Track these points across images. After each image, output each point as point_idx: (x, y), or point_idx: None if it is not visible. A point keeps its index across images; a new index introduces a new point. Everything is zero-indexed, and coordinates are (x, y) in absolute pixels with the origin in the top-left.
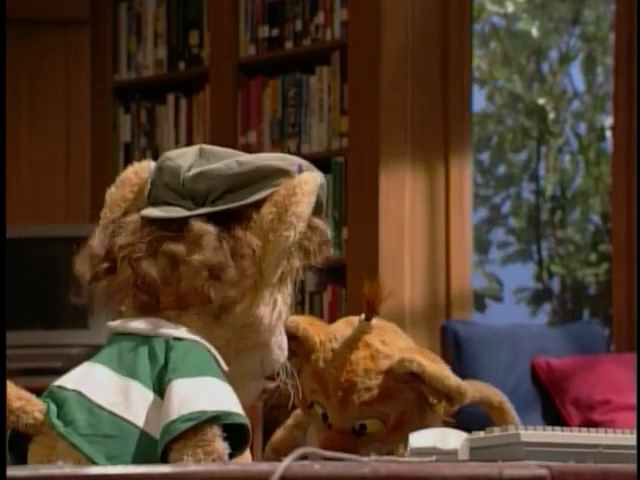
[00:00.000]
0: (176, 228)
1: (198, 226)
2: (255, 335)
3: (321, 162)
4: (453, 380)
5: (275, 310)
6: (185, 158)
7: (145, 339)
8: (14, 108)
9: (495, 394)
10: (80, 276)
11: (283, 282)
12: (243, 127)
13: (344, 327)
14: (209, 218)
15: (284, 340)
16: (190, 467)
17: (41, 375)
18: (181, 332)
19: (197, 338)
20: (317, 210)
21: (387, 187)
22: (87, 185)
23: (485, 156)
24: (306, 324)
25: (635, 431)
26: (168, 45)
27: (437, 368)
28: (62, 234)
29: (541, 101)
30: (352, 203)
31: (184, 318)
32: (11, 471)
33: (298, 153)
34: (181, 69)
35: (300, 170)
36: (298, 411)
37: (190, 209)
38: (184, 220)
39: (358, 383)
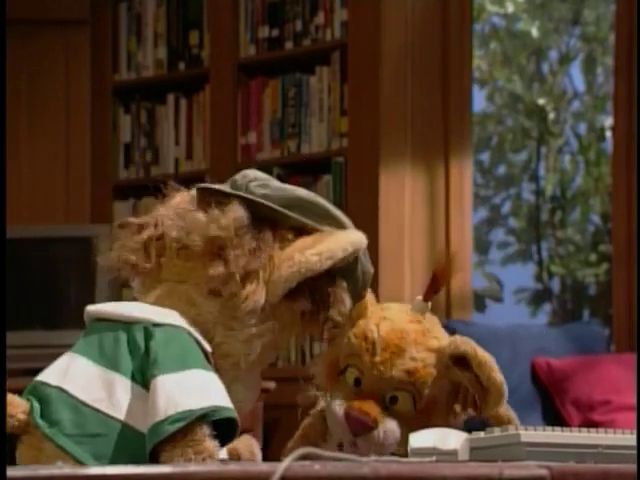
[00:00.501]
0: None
1: (232, 206)
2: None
3: (321, 162)
4: (500, 375)
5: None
6: (258, 176)
7: (124, 325)
8: (14, 108)
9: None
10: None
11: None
12: (243, 127)
13: (396, 303)
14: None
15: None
16: (190, 467)
17: None
18: (161, 316)
19: (177, 322)
20: (351, 274)
21: (387, 187)
22: (87, 185)
23: (485, 156)
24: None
25: (635, 431)
26: (168, 45)
27: (488, 357)
28: (62, 234)
29: (541, 101)
30: (352, 203)
31: (180, 288)
32: (11, 471)
33: (298, 153)
34: (181, 69)
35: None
36: (319, 399)
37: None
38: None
39: (407, 351)
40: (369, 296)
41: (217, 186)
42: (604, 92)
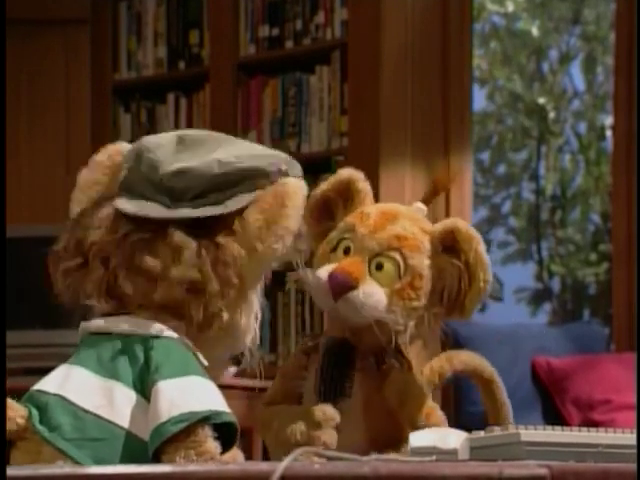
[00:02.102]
0: (153, 228)
1: (178, 237)
2: (231, 339)
3: (321, 162)
4: (489, 273)
5: (252, 311)
6: (165, 150)
7: (122, 338)
8: (14, 108)
9: (486, 365)
10: (52, 274)
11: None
12: (243, 126)
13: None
14: (188, 223)
15: (257, 334)
16: (190, 467)
17: (41, 375)
18: (159, 330)
19: (175, 335)
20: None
21: (387, 186)
22: None
23: (485, 156)
24: (360, 177)
25: (635, 430)
26: (168, 44)
27: (477, 235)
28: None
29: (541, 100)
30: None
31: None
32: (11, 471)
33: (298, 153)
34: (181, 68)
35: (279, 172)
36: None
37: (167, 206)
38: (162, 222)
39: (399, 221)
40: (369, 187)
41: (144, 213)
42: (604, 91)
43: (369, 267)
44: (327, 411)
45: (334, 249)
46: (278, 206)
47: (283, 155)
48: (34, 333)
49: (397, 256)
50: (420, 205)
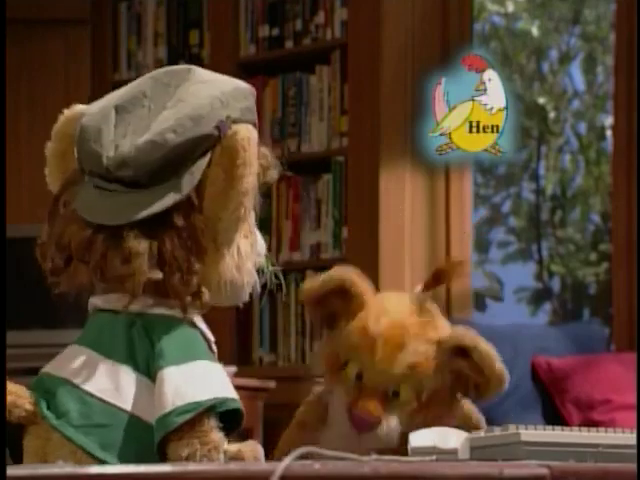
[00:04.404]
0: (114, 227)
1: (130, 243)
2: (232, 289)
3: (321, 161)
4: (500, 364)
5: (241, 256)
6: (102, 135)
7: (127, 316)
8: (14, 108)
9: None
10: (43, 269)
11: (243, 227)
12: None
13: (395, 293)
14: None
15: (261, 245)
16: (190, 467)
17: None
18: (163, 308)
19: (179, 314)
20: (250, 118)
21: (387, 186)
22: None
23: (485, 155)
24: (356, 278)
25: (635, 430)
26: (168, 44)
27: (489, 347)
28: None
29: (541, 100)
30: (352, 203)
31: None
32: (11, 470)
33: (298, 153)
34: None
35: (224, 126)
36: (317, 387)
37: (124, 192)
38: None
39: (409, 344)
40: (367, 286)
41: (98, 221)
42: (604, 91)
43: (387, 395)
44: None
45: (343, 366)
46: (230, 168)
47: (224, 90)
48: (34, 333)
49: (413, 382)
50: (420, 293)
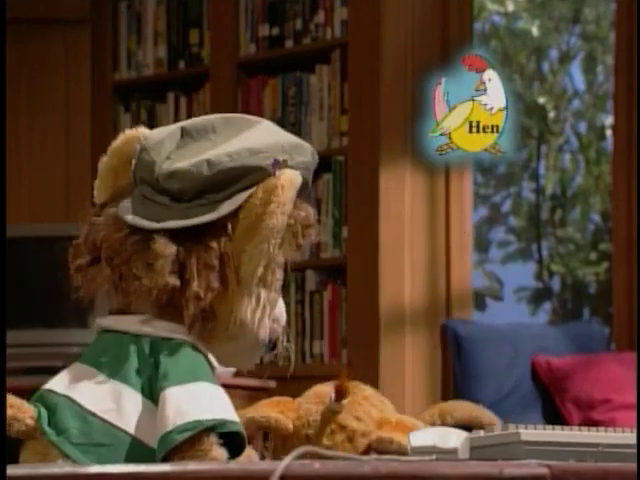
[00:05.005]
0: (145, 233)
1: (157, 245)
2: (239, 336)
3: (321, 161)
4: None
5: (259, 306)
6: (163, 147)
7: (133, 338)
8: (14, 108)
9: (486, 415)
10: (70, 269)
11: (267, 275)
12: None
13: (315, 407)
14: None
15: (281, 314)
16: (190, 467)
17: (41, 374)
18: (169, 331)
19: (185, 337)
20: (302, 191)
21: (387, 186)
22: (87, 185)
23: (485, 155)
24: (276, 414)
25: (635, 430)
26: (168, 44)
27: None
28: (62, 234)
29: (541, 100)
30: (352, 203)
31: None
32: (11, 470)
33: None
34: (181, 68)
35: (276, 164)
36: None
37: (167, 206)
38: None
39: None
40: (289, 408)
41: (134, 222)
42: (604, 91)
43: None
44: None
45: None
46: (265, 203)
47: (289, 141)
48: (34, 332)
49: None
50: (333, 403)
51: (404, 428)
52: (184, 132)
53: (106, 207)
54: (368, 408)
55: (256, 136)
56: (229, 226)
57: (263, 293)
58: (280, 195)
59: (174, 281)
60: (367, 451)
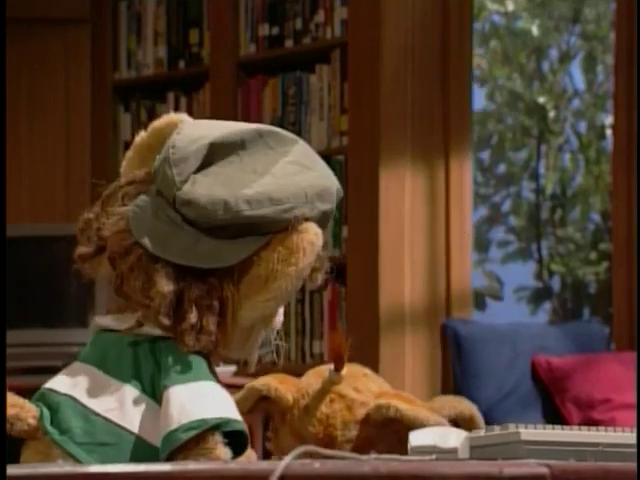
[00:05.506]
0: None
1: (158, 279)
2: (234, 350)
3: None
4: (432, 420)
5: (253, 338)
6: (187, 165)
7: (134, 338)
8: (14, 108)
9: (467, 407)
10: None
11: (267, 319)
12: None
13: (315, 380)
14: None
15: (278, 321)
16: (190, 466)
17: (41, 374)
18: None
19: None
20: (323, 223)
21: (387, 186)
22: (87, 184)
23: (485, 155)
24: (276, 384)
25: (635, 429)
26: (168, 44)
27: (414, 411)
28: (62, 234)
29: (541, 100)
30: (352, 202)
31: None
32: (11, 470)
33: None
34: (181, 68)
35: (296, 219)
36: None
37: (178, 225)
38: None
39: (338, 436)
40: (289, 382)
41: (145, 243)
42: (604, 90)
43: None
44: None
45: None
46: (283, 262)
47: (314, 186)
48: (34, 332)
49: None
50: (333, 373)
51: (403, 398)
52: (212, 148)
53: (122, 191)
54: (367, 383)
55: (282, 173)
56: (236, 272)
57: (260, 329)
58: (300, 260)
59: (167, 322)
60: (365, 420)
